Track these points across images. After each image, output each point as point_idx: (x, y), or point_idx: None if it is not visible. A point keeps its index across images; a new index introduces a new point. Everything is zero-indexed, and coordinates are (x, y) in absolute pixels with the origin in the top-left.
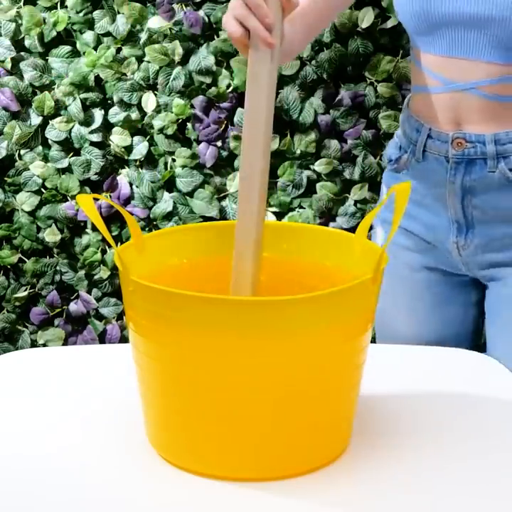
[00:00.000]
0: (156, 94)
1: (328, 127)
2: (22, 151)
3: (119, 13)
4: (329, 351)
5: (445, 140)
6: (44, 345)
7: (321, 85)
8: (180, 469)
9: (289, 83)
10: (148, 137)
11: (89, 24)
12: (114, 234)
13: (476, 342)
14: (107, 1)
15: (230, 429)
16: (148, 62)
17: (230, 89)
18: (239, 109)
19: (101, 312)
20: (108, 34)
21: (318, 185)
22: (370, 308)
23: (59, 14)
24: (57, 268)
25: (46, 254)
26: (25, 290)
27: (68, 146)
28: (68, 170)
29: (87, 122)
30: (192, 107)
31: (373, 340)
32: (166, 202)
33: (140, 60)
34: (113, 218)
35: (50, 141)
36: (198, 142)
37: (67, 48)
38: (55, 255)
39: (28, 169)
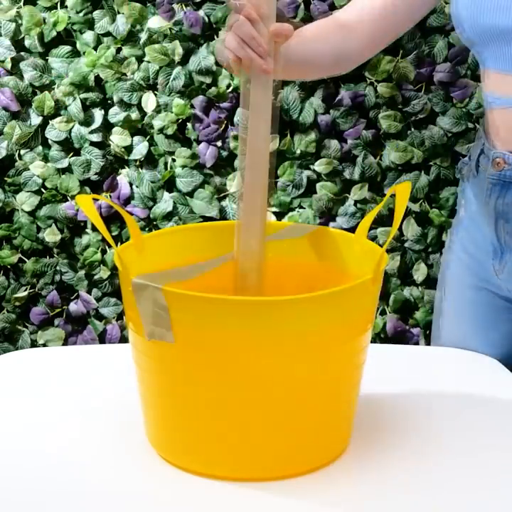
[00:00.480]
0: (156, 94)
1: (328, 127)
2: (22, 151)
3: (119, 13)
4: (329, 351)
5: (490, 158)
6: (44, 345)
7: (321, 85)
8: (179, 469)
9: (289, 83)
10: (148, 137)
11: (89, 24)
12: (114, 234)
13: None
14: (107, 1)
15: (230, 429)
16: (148, 62)
17: (230, 89)
18: (239, 109)
19: (101, 312)
20: (108, 34)
21: (318, 185)
22: (370, 309)
23: (59, 14)
24: (57, 268)
25: (46, 254)
26: (25, 290)
27: (68, 146)
28: (68, 170)
29: (87, 122)
30: (192, 107)
31: (374, 341)
32: (166, 202)
33: (140, 60)
34: (113, 218)
35: (50, 141)
36: (198, 142)
37: (67, 48)
38: (55, 255)
39: (28, 169)
